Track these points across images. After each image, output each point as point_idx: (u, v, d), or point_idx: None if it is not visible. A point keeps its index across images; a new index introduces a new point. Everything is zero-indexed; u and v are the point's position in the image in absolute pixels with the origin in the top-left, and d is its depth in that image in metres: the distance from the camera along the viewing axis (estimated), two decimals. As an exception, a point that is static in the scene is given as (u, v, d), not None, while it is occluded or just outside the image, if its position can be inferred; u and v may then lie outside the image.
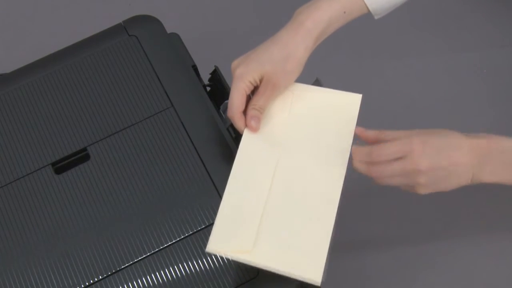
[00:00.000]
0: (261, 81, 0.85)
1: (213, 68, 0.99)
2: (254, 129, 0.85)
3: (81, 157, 0.88)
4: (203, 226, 0.82)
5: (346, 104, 0.87)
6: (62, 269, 0.81)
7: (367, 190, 1.14)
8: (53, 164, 0.88)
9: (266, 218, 0.79)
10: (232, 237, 0.78)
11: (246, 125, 0.85)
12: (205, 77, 1.00)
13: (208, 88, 1.00)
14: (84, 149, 0.88)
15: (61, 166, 0.88)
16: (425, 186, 0.81)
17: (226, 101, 0.96)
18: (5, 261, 0.82)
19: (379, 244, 1.10)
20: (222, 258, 0.81)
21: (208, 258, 0.81)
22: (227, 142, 0.89)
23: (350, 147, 0.83)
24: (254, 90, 0.86)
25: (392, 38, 1.25)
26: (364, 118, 1.18)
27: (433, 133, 0.81)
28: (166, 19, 1.00)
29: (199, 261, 0.81)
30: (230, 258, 0.78)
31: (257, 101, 0.85)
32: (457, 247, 1.08)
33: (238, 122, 0.85)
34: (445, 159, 0.80)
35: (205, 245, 0.81)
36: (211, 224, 0.82)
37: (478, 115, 1.18)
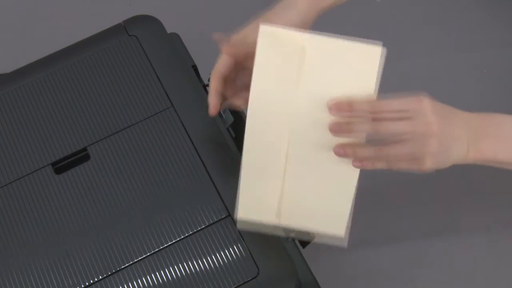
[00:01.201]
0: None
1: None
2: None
3: (81, 157, 0.88)
4: (203, 226, 0.82)
5: (364, 59, 0.76)
6: (62, 269, 0.81)
7: (367, 190, 1.14)
8: (53, 164, 0.88)
9: (288, 179, 0.78)
10: (258, 202, 0.78)
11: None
12: (205, 77, 1.00)
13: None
14: (84, 149, 0.88)
15: (61, 166, 0.88)
16: (434, 155, 0.71)
17: (226, 101, 0.95)
18: (5, 261, 0.82)
19: (379, 244, 1.10)
20: (222, 258, 0.81)
21: (208, 258, 0.81)
22: (227, 142, 0.89)
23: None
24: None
25: (391, 38, 1.25)
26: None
27: None
28: (166, 19, 0.99)
29: (199, 261, 0.81)
30: (257, 223, 0.79)
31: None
32: (457, 247, 1.08)
33: (212, 83, 0.83)
34: (449, 125, 0.73)
35: (205, 245, 0.81)
36: (211, 224, 0.82)
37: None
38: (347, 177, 0.77)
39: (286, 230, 0.81)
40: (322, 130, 0.76)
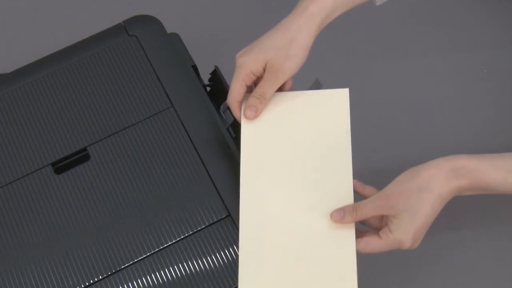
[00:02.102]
0: (264, 69, 0.84)
1: (213, 68, 0.99)
2: (249, 118, 0.85)
3: (81, 157, 0.88)
4: (203, 226, 0.82)
5: (336, 102, 0.86)
6: (62, 269, 0.81)
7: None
8: (53, 164, 0.88)
9: (287, 246, 0.80)
10: (258, 274, 0.79)
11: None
12: (205, 77, 1.00)
13: (208, 88, 1.00)
14: (84, 149, 0.88)
15: (61, 166, 0.88)
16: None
17: (226, 101, 0.96)
18: (5, 261, 0.82)
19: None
20: (222, 258, 0.81)
21: (208, 258, 0.81)
22: (227, 142, 0.89)
23: (349, 150, 0.84)
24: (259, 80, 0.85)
25: (391, 38, 1.25)
26: (364, 118, 1.18)
27: (415, 208, 0.79)
28: (166, 19, 0.99)
29: (199, 261, 0.81)
30: None
31: (259, 87, 0.84)
32: (457, 247, 1.08)
33: (235, 111, 0.85)
34: (429, 224, 0.81)
35: (205, 245, 0.81)
36: (211, 224, 0.82)
37: (478, 115, 1.18)
38: (345, 238, 0.80)
39: None
40: (313, 196, 0.82)
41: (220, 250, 0.81)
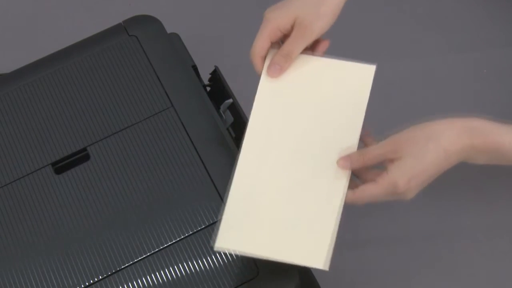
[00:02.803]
0: (292, 27, 0.82)
1: (213, 68, 0.99)
2: (272, 76, 0.83)
3: (81, 157, 0.88)
4: (203, 226, 0.82)
5: (360, 76, 0.84)
6: (62, 269, 0.81)
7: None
8: (53, 164, 0.88)
9: (272, 207, 0.79)
10: (238, 232, 0.78)
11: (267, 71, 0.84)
12: (205, 77, 1.00)
13: (208, 88, 1.00)
14: (84, 149, 0.88)
15: (61, 166, 0.88)
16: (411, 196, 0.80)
17: (226, 101, 0.96)
18: (5, 261, 0.82)
19: (379, 244, 1.10)
20: (222, 258, 0.81)
21: (208, 258, 0.81)
22: (227, 142, 0.89)
23: (360, 126, 0.83)
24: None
25: (391, 38, 1.25)
26: (364, 118, 1.18)
27: (418, 153, 0.78)
28: (166, 19, 0.99)
29: (199, 261, 0.81)
30: (235, 253, 0.79)
31: (285, 45, 0.82)
32: (457, 246, 1.08)
33: (257, 66, 0.84)
34: (430, 178, 0.79)
35: (205, 245, 0.81)
36: (211, 224, 0.82)
37: (478, 115, 1.18)
38: (331, 208, 0.79)
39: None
40: (317, 150, 0.81)
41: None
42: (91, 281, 0.80)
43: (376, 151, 0.80)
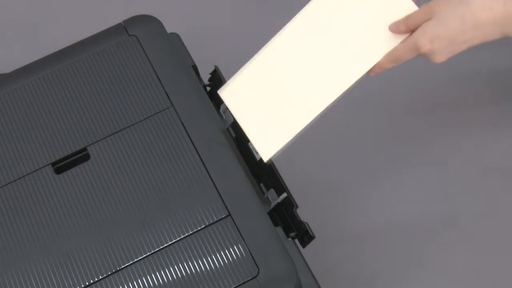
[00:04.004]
0: None
1: (213, 68, 0.99)
2: None
3: (81, 157, 0.88)
4: (203, 226, 0.82)
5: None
6: (62, 269, 0.81)
7: (367, 189, 1.14)
8: (53, 164, 0.88)
9: (275, 89, 0.88)
10: (239, 95, 0.89)
11: None
12: (205, 77, 1.00)
13: (208, 88, 1.00)
14: (84, 149, 0.88)
15: (61, 166, 0.88)
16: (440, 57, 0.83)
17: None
18: (5, 261, 0.82)
19: (379, 244, 1.10)
20: (222, 258, 0.81)
21: (208, 258, 0.81)
22: (227, 142, 0.89)
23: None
24: None
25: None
26: (364, 119, 1.18)
27: (445, 15, 0.79)
28: (166, 19, 0.99)
29: (199, 261, 0.81)
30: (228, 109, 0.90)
31: None
32: (457, 246, 1.08)
33: None
34: (459, 45, 0.80)
35: (205, 245, 0.81)
36: (211, 224, 0.82)
37: (478, 115, 1.18)
38: (317, 103, 0.87)
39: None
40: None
41: (220, 250, 0.81)
42: (91, 281, 0.80)
43: (418, 13, 0.82)
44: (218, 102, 0.98)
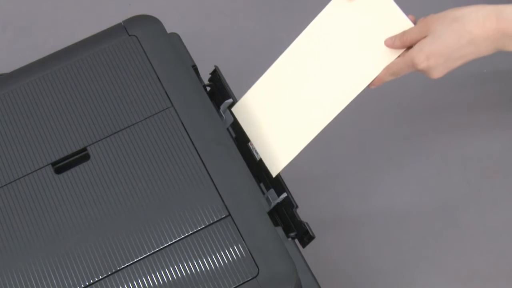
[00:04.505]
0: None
1: (213, 68, 0.99)
2: None
3: (81, 157, 0.88)
4: (203, 226, 0.82)
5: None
6: (62, 269, 0.81)
7: (367, 190, 1.14)
8: (53, 164, 0.88)
9: (283, 105, 0.91)
10: (248, 112, 0.92)
11: None
12: (205, 77, 1.00)
13: (208, 88, 1.00)
14: (84, 149, 0.88)
15: (61, 166, 0.88)
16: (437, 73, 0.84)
17: (226, 101, 0.96)
18: (5, 261, 0.82)
19: (379, 244, 1.10)
20: (222, 258, 0.81)
21: (208, 258, 0.81)
22: (227, 142, 0.89)
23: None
24: None
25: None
26: (364, 119, 1.18)
27: (440, 32, 0.81)
28: (166, 19, 1.00)
29: (199, 261, 0.81)
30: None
31: None
32: (458, 247, 1.08)
33: None
34: (455, 61, 0.81)
35: (205, 245, 0.81)
36: (211, 224, 0.82)
37: (478, 115, 1.18)
38: (321, 118, 0.88)
39: None
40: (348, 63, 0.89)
41: (220, 250, 0.81)
42: (91, 281, 0.80)
43: (414, 30, 0.84)
44: (218, 102, 0.98)
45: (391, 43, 0.86)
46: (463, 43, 0.80)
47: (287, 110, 0.91)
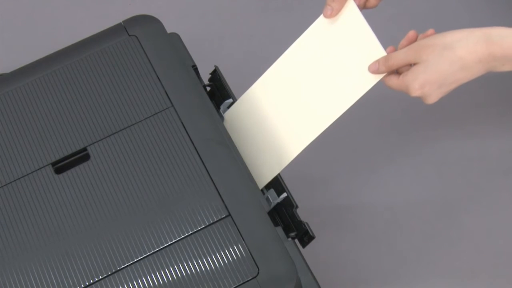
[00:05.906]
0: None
1: (213, 68, 0.99)
2: (325, 15, 0.89)
3: (81, 157, 0.88)
4: (203, 226, 0.82)
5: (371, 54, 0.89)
6: (62, 269, 0.81)
7: (367, 190, 1.14)
8: (53, 164, 0.88)
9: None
10: (239, 121, 0.92)
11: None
12: (205, 77, 1.00)
13: (208, 88, 1.00)
14: (84, 149, 0.88)
15: (61, 166, 0.88)
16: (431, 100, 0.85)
17: (226, 101, 0.96)
18: (5, 261, 0.82)
19: (379, 244, 1.10)
20: (222, 258, 0.81)
21: (208, 258, 0.81)
22: (227, 142, 0.89)
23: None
24: None
25: (390, 39, 1.25)
26: (363, 119, 1.18)
27: (433, 61, 0.82)
28: (166, 19, 1.00)
29: (199, 261, 0.81)
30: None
31: None
32: (458, 247, 1.08)
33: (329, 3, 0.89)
34: (448, 86, 0.83)
35: (205, 245, 0.81)
36: (211, 224, 0.82)
37: (479, 115, 1.18)
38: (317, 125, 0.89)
39: None
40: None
41: (220, 250, 0.81)
42: (91, 281, 0.80)
43: (400, 55, 0.84)
44: (218, 102, 0.98)
45: (375, 69, 0.86)
46: (455, 69, 0.82)
47: (278, 123, 0.92)
